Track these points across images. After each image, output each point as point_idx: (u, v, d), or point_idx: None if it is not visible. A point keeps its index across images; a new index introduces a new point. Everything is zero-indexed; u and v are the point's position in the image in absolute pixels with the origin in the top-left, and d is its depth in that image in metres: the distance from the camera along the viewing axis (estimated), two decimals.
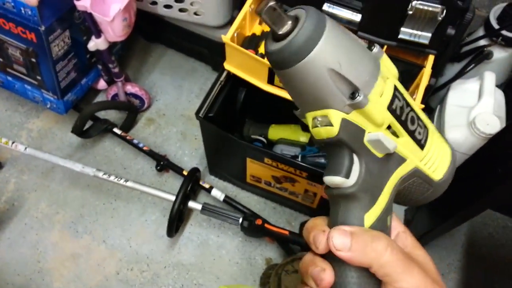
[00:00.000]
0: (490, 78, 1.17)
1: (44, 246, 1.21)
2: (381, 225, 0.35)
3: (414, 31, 0.95)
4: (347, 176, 0.33)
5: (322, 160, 1.13)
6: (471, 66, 1.21)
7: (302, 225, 1.22)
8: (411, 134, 0.35)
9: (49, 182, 1.32)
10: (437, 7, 0.89)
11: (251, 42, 1.08)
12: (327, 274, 0.34)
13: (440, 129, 1.20)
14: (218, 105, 1.10)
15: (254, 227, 1.12)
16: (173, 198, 1.12)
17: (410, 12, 0.91)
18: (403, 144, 0.35)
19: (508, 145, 0.92)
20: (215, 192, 1.23)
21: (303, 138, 1.23)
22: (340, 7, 0.99)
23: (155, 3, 1.28)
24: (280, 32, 0.30)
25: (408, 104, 0.35)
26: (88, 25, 1.14)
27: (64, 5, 1.11)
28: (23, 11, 1.04)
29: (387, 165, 0.35)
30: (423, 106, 0.91)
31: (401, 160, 0.35)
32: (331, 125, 0.31)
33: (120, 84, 1.34)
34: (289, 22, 0.30)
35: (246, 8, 1.05)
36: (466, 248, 1.25)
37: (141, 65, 1.58)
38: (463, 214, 1.02)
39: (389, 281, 0.32)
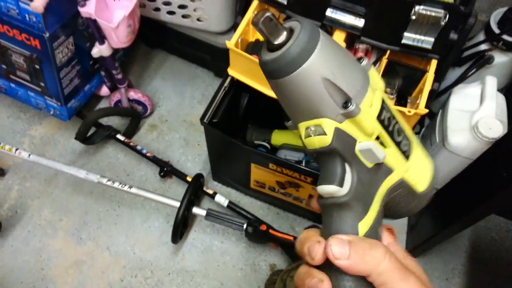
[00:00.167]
0: (491, 82, 1.17)
1: (47, 253, 1.21)
2: (374, 235, 0.36)
3: (417, 36, 0.96)
4: (341, 184, 0.33)
5: None
6: (473, 71, 1.22)
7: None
8: (398, 145, 0.36)
9: (52, 189, 1.32)
10: (440, 12, 0.90)
11: (254, 48, 1.08)
12: (325, 285, 0.34)
13: (443, 133, 1.21)
14: (222, 111, 1.10)
15: (258, 233, 1.12)
16: (177, 204, 1.12)
17: (414, 17, 0.91)
18: (391, 155, 0.36)
19: None
20: (218, 198, 1.23)
21: None
22: (343, 13, 1.00)
23: (158, 9, 1.29)
24: (276, 42, 0.31)
25: (394, 116, 0.36)
26: (92, 32, 1.15)
27: (68, 11, 1.11)
28: (27, 18, 1.05)
29: (376, 175, 0.36)
30: (427, 110, 0.92)
31: (389, 171, 0.36)
32: (324, 134, 0.32)
33: (123, 90, 1.34)
34: (284, 33, 0.31)
35: (249, 14, 1.05)
36: (470, 253, 1.26)
37: (143, 71, 1.59)
38: (468, 219, 1.02)
39: None
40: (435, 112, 1.34)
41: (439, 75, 1.01)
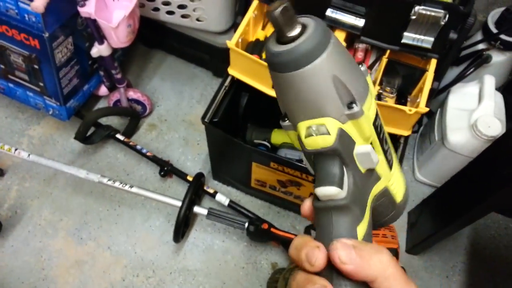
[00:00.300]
0: (490, 81, 1.19)
1: (48, 254, 1.20)
2: (369, 240, 0.36)
3: (417, 36, 0.96)
4: (341, 186, 0.33)
5: None
6: (471, 70, 1.23)
7: (307, 229, 1.23)
8: (385, 153, 0.36)
9: (52, 189, 1.31)
10: (440, 12, 0.90)
11: (255, 47, 1.08)
12: None
13: (442, 132, 1.22)
14: (222, 111, 1.10)
15: (260, 232, 1.13)
16: (179, 203, 1.12)
17: (414, 17, 0.92)
18: (380, 162, 0.36)
19: None
20: (219, 197, 1.23)
21: None
22: (343, 12, 1.00)
23: (157, 9, 1.29)
24: (290, 35, 0.30)
25: (382, 125, 0.36)
26: (91, 32, 1.15)
27: (68, 11, 1.11)
28: (27, 18, 1.04)
29: (368, 181, 0.35)
30: (427, 109, 0.92)
31: (377, 178, 0.36)
32: (327, 133, 0.31)
33: (122, 90, 1.34)
34: (298, 26, 0.30)
35: (250, 14, 1.05)
36: (470, 250, 1.27)
37: (141, 71, 1.59)
38: (468, 217, 1.03)
39: None
40: (434, 111, 1.35)
41: (439, 74, 1.02)
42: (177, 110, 1.51)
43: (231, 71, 1.08)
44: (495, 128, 1.10)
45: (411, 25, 0.95)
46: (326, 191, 0.33)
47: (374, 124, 0.34)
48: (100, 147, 1.40)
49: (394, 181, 0.38)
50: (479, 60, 1.23)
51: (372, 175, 0.35)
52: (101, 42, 1.17)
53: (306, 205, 0.37)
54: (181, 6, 1.25)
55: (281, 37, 0.31)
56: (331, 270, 0.32)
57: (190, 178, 1.24)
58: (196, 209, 1.16)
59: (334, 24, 1.00)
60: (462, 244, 1.28)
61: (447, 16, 0.91)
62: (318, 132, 0.32)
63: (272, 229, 1.13)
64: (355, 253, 0.31)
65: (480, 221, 1.26)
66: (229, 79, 1.10)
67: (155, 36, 1.53)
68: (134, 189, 1.16)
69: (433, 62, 1.00)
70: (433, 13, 0.91)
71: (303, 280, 0.33)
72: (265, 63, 0.99)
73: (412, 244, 1.23)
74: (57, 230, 1.24)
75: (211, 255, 1.22)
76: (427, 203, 1.24)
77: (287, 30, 0.30)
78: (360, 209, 0.35)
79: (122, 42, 1.15)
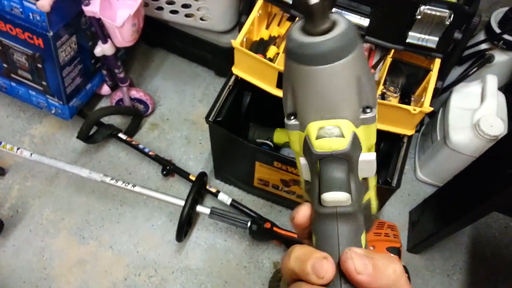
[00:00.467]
0: (492, 81, 1.19)
1: (50, 253, 1.20)
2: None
3: (422, 35, 0.97)
4: (350, 192, 0.31)
5: None
6: (474, 70, 1.23)
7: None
8: None
9: (54, 188, 1.31)
10: (445, 12, 0.91)
11: (259, 47, 1.09)
12: None
13: (444, 131, 1.22)
14: (226, 110, 1.10)
15: (262, 231, 1.13)
16: (181, 202, 1.12)
17: (419, 17, 0.92)
18: None
19: None
20: (222, 196, 1.23)
21: None
22: (348, 12, 1.01)
23: (161, 8, 1.29)
24: (322, 27, 0.28)
25: None
26: (95, 31, 1.14)
27: (72, 10, 1.11)
28: (31, 17, 1.04)
29: (362, 190, 0.34)
30: (432, 109, 0.92)
31: (367, 188, 0.35)
32: (341, 136, 0.30)
33: (125, 89, 1.34)
34: (330, 20, 0.29)
35: (254, 13, 1.06)
36: (470, 249, 1.27)
37: (143, 70, 1.58)
38: (470, 216, 1.03)
39: None
40: (436, 110, 1.36)
41: (443, 74, 1.02)
42: (179, 109, 1.50)
43: (235, 70, 1.08)
44: (498, 127, 1.11)
45: (416, 25, 0.95)
46: (335, 196, 0.31)
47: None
48: (102, 146, 1.40)
49: (373, 193, 0.37)
50: (482, 60, 1.23)
51: (364, 184, 0.34)
52: (104, 41, 1.17)
53: (304, 212, 0.34)
54: (185, 6, 1.25)
55: (312, 28, 0.29)
56: (338, 281, 0.30)
57: (192, 177, 1.24)
58: (199, 208, 1.16)
59: None
60: (463, 243, 1.28)
61: (452, 16, 0.91)
62: (332, 134, 0.31)
63: (275, 228, 1.13)
64: (370, 262, 0.30)
65: (481, 220, 1.26)
66: (233, 78, 1.10)
67: (157, 35, 1.52)
68: (136, 188, 1.16)
69: (437, 62, 1.00)
70: (438, 13, 0.91)
71: None
72: (270, 63, 1.00)
73: (413, 243, 1.24)
74: (59, 230, 1.24)
75: (213, 254, 1.22)
76: (429, 202, 1.25)
77: (321, 22, 0.28)
78: (363, 217, 0.34)
79: (127, 41, 1.15)
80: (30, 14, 1.03)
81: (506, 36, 1.19)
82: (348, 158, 0.31)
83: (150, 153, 1.29)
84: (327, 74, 0.29)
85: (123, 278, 1.18)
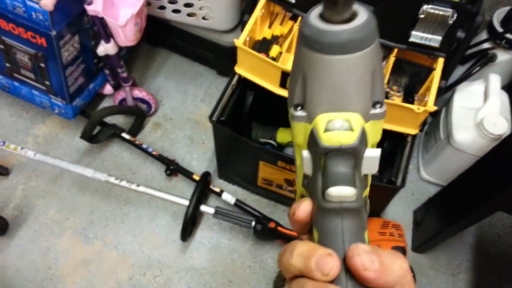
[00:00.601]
0: (495, 80, 1.19)
1: (55, 253, 1.20)
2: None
3: (425, 35, 0.97)
4: (356, 187, 0.30)
5: None
6: (476, 69, 1.23)
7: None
8: None
9: (58, 188, 1.31)
10: (448, 11, 0.91)
11: (262, 46, 1.09)
12: None
13: (448, 130, 1.22)
14: (229, 109, 1.10)
15: (267, 230, 1.13)
16: (186, 202, 1.12)
17: (422, 16, 0.92)
18: None
19: None
20: (225, 196, 1.23)
21: None
22: None
23: (163, 7, 1.29)
24: (344, 16, 0.27)
25: None
26: (98, 30, 1.15)
27: (74, 10, 1.11)
28: (34, 16, 1.04)
29: (362, 187, 0.34)
30: (436, 108, 0.93)
31: (366, 185, 0.34)
32: (351, 130, 0.30)
33: (128, 89, 1.34)
34: (352, 10, 0.28)
35: (257, 12, 1.06)
36: (475, 248, 1.27)
37: (146, 70, 1.58)
38: (474, 216, 1.03)
39: None
40: (439, 109, 1.36)
41: (446, 73, 1.02)
42: (182, 108, 1.50)
43: (238, 69, 1.08)
44: (501, 126, 1.11)
45: (419, 24, 0.95)
46: (341, 191, 0.30)
47: None
48: (105, 146, 1.40)
49: (368, 190, 0.37)
50: (484, 59, 1.23)
51: (364, 181, 0.33)
52: (107, 41, 1.17)
53: (305, 207, 0.33)
54: (187, 5, 1.25)
55: (333, 16, 0.28)
56: (343, 277, 0.30)
57: (196, 177, 1.24)
58: (203, 208, 1.16)
59: None
60: (468, 242, 1.28)
61: (455, 15, 0.91)
62: (341, 128, 0.30)
63: (279, 228, 1.13)
64: (376, 259, 0.29)
65: (485, 219, 1.26)
66: (236, 77, 1.10)
67: (159, 34, 1.52)
68: (141, 188, 1.16)
69: (441, 61, 1.00)
70: (441, 12, 0.91)
71: None
72: (273, 62, 1.00)
73: (418, 243, 1.24)
74: (63, 230, 1.24)
75: (217, 253, 1.22)
76: (433, 201, 1.25)
77: (344, 10, 0.27)
78: (366, 213, 0.33)
79: (130, 41, 1.15)
80: (33, 13, 1.03)
81: (508, 35, 1.19)
82: (355, 153, 0.30)
83: (154, 152, 1.30)
84: (344, 64, 0.28)
85: (128, 277, 1.18)
